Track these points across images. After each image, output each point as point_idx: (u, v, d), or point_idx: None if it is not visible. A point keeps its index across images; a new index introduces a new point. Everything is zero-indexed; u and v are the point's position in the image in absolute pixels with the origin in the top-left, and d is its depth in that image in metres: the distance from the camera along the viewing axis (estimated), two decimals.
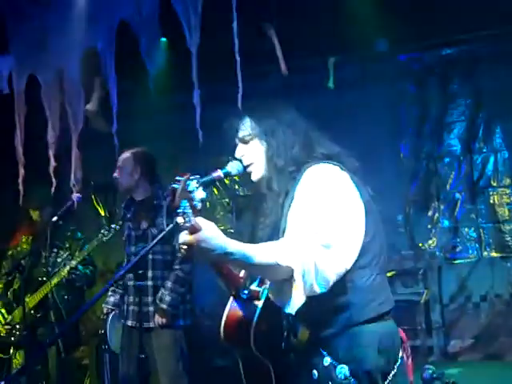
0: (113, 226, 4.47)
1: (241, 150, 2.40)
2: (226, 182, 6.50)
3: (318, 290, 2.05)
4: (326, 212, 2.12)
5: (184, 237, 2.03)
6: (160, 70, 4.24)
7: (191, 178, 2.08)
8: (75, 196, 4.46)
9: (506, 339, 6.22)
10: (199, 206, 2.05)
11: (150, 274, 4.22)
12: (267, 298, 2.26)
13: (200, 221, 2.05)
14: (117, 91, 4.24)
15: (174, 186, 2.05)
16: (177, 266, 4.21)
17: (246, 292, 2.30)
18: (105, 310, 4.51)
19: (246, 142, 2.40)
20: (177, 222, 2.25)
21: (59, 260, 4.69)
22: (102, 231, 4.46)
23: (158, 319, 4.19)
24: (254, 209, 2.43)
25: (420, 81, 6.65)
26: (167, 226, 4.07)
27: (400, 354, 2.23)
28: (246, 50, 4.17)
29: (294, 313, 2.14)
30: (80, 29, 4.02)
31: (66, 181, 4.76)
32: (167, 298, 4.16)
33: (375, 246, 2.22)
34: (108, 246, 4.64)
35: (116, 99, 4.16)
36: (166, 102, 5.61)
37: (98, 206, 6.27)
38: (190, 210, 2.01)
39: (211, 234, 2.03)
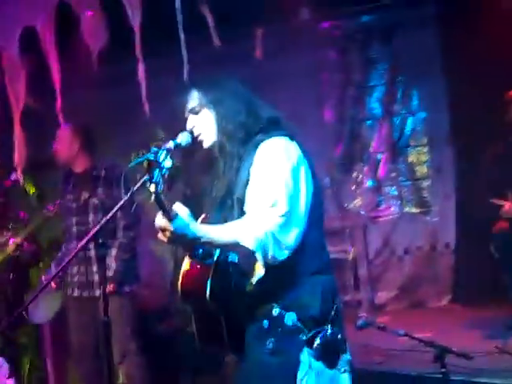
0: (57, 201, 4.50)
1: (192, 121, 2.55)
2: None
3: (279, 257, 2.28)
4: (280, 185, 2.31)
5: (161, 222, 2.19)
6: (102, 44, 4.26)
7: (161, 148, 2.23)
8: (15, 175, 4.45)
9: (427, 287, 6.67)
10: (166, 174, 2.21)
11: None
12: (220, 255, 2.41)
13: (176, 207, 2.23)
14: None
15: (148, 157, 2.17)
16: (119, 233, 4.31)
17: (200, 251, 2.42)
18: None
19: (196, 113, 2.54)
20: (132, 192, 2.46)
21: (3, 240, 4.67)
22: (48, 207, 4.48)
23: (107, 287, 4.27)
24: (184, 179, 2.61)
25: (341, 47, 6.90)
26: (106, 195, 4.20)
27: (337, 300, 2.48)
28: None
29: (254, 282, 2.34)
30: (18, 8, 3.99)
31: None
32: (113, 265, 4.26)
33: (319, 207, 2.46)
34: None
35: (58, 76, 4.15)
36: (106, 75, 5.60)
37: (27, 185, 6.18)
38: (161, 179, 2.16)
39: (185, 220, 2.21)
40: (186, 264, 2.49)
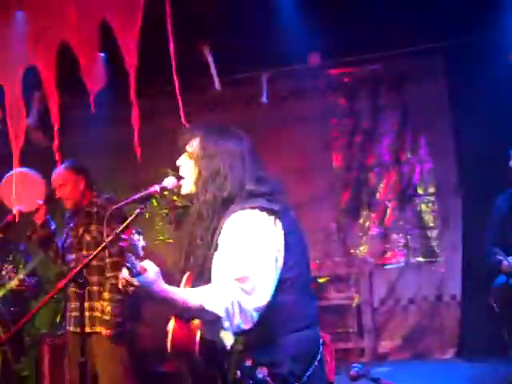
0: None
1: (182, 160, 2.61)
2: (165, 193, 6.60)
3: (245, 327, 2.31)
4: (246, 258, 2.34)
5: (126, 275, 2.21)
6: (101, 86, 4.35)
7: (133, 232, 2.25)
8: (16, 208, 4.49)
9: (431, 338, 6.57)
10: (142, 253, 2.24)
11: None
12: None
13: (145, 263, 2.23)
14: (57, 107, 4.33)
15: (122, 244, 2.19)
16: (109, 274, 4.26)
17: None
18: None
19: (189, 156, 2.60)
20: (116, 233, 2.50)
21: (4, 273, 4.72)
22: None
23: (106, 331, 4.24)
24: (190, 226, 2.62)
25: (351, 94, 6.94)
26: (98, 233, 4.22)
27: (318, 358, 2.48)
28: (183, 63, 4.32)
29: (228, 347, 2.38)
30: (20, 46, 4.10)
31: None
32: (108, 309, 4.22)
33: (294, 273, 2.46)
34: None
35: (57, 115, 4.24)
36: (106, 115, 5.71)
37: None
38: (137, 261, 2.20)
39: (152, 279, 2.21)
40: (172, 323, 2.49)
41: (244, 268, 2.33)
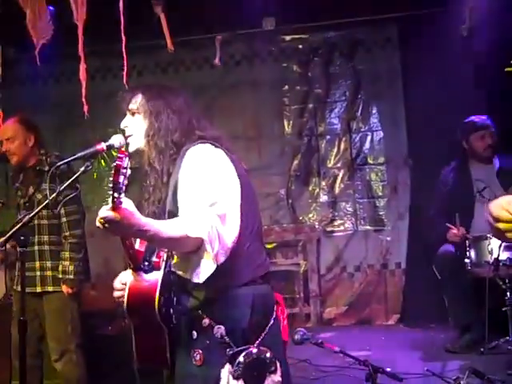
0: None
1: (126, 121, 2.57)
2: (114, 153, 6.50)
3: (221, 258, 2.23)
4: (213, 184, 2.29)
5: (106, 213, 2.08)
6: (47, 39, 4.22)
7: (126, 154, 2.12)
8: None
9: (375, 305, 6.70)
10: (127, 182, 2.12)
11: (35, 239, 4.22)
12: (166, 268, 2.39)
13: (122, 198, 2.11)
14: (1, 59, 4.19)
15: (118, 163, 2.05)
16: (67, 233, 4.23)
17: (146, 264, 2.40)
18: None
19: (132, 114, 2.56)
20: (61, 190, 2.69)
21: None
22: None
23: (68, 290, 4.20)
24: (140, 182, 2.57)
25: (304, 61, 6.92)
26: (50, 192, 4.17)
27: (273, 316, 2.44)
28: (135, 24, 4.24)
29: (202, 281, 2.25)
30: None
31: None
32: (71, 268, 4.18)
33: (249, 216, 2.41)
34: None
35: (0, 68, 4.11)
36: (53, 71, 5.57)
37: None
38: (124, 187, 2.08)
39: (131, 211, 2.11)
40: (130, 278, 2.41)
41: (214, 193, 2.27)
